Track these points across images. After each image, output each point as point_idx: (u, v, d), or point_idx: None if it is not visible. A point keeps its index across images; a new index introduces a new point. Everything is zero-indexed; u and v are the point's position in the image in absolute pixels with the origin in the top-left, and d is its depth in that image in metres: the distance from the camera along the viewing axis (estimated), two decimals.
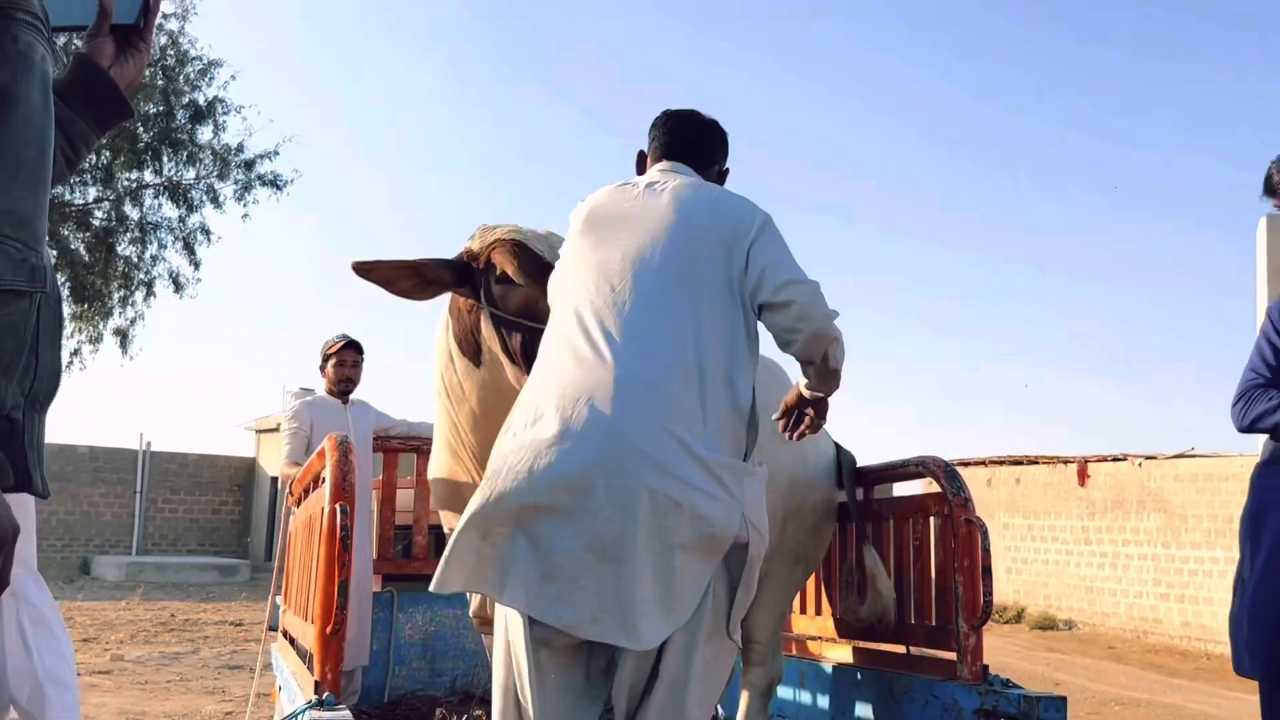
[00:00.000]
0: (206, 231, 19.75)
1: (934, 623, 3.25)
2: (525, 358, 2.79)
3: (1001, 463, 18.15)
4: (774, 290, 2.38)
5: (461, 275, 3.01)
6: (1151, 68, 32.26)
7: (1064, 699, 2.77)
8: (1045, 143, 33.53)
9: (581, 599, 2.19)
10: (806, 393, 2.59)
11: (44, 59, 1.47)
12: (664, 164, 2.70)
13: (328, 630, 2.57)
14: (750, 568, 2.38)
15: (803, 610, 3.97)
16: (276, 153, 19.76)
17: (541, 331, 2.60)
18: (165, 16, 18.07)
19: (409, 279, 2.99)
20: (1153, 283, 33.32)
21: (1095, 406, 33.12)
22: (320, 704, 2.48)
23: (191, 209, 19.51)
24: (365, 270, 2.97)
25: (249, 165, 19.56)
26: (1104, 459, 16.13)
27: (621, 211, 2.53)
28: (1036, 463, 17.41)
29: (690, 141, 2.73)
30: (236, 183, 19.50)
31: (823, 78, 38.17)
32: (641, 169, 2.81)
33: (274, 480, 24.88)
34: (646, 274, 2.41)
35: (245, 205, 19.65)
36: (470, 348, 3.01)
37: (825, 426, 3.18)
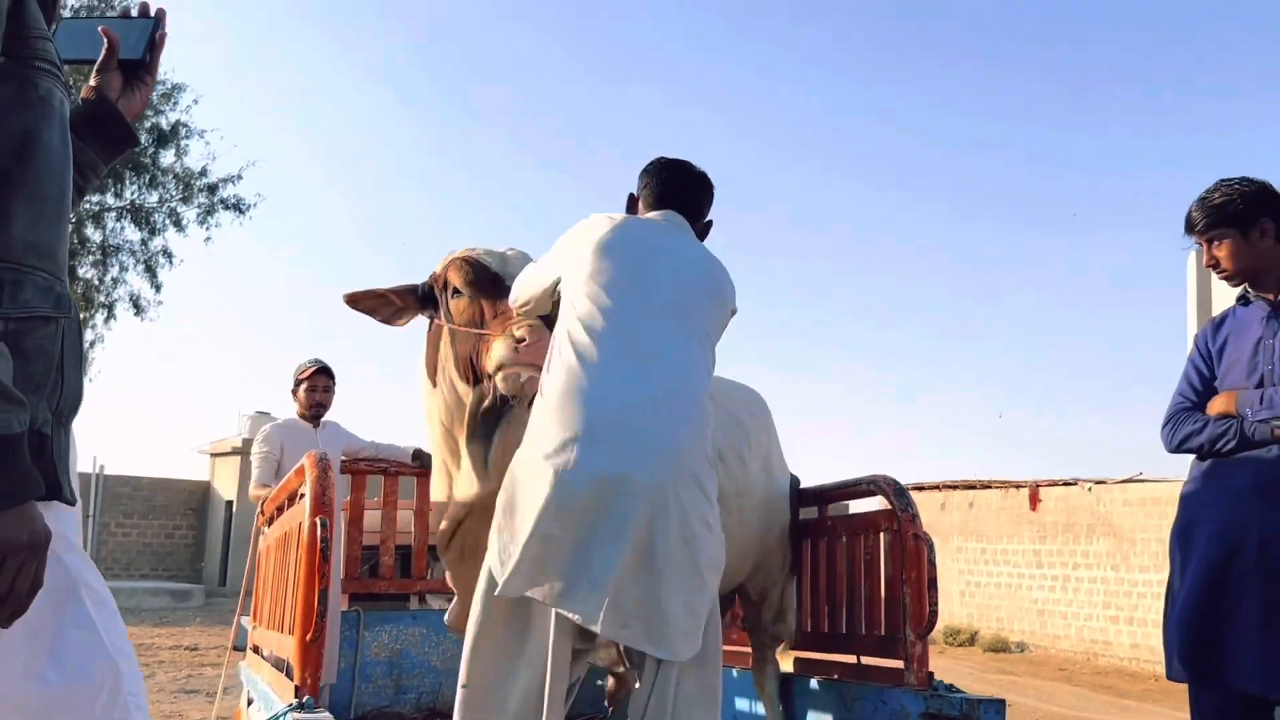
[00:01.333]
0: (168, 254, 19.77)
1: (883, 633, 3.41)
2: (467, 367, 2.96)
3: (955, 487, 18.43)
4: None
5: (426, 298, 3.22)
6: (1103, 94, 32.97)
7: (1003, 701, 2.94)
8: (999, 177, 34.12)
9: (624, 608, 2.35)
10: None
11: (62, 103, 1.60)
12: (660, 212, 2.85)
13: (308, 637, 2.69)
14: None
15: None
16: (240, 176, 19.81)
17: (483, 338, 2.84)
18: None
19: (387, 307, 3.23)
20: (1102, 310, 33.95)
21: (1046, 431, 33.63)
22: (301, 707, 2.59)
23: (154, 232, 19.51)
24: (353, 301, 3.21)
25: (212, 189, 19.60)
26: (1054, 483, 16.44)
27: (638, 246, 2.70)
28: (989, 487, 17.69)
29: (683, 191, 2.90)
30: (199, 206, 19.56)
31: (786, 129, 38.77)
32: (632, 211, 2.95)
33: (229, 504, 24.67)
34: (667, 308, 2.60)
35: (208, 229, 19.69)
36: (431, 369, 3.17)
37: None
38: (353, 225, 41.12)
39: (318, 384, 5.53)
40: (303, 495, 3.07)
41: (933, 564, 3.22)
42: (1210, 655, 2.94)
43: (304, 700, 2.61)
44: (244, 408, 26.85)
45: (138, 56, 1.94)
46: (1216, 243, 3.15)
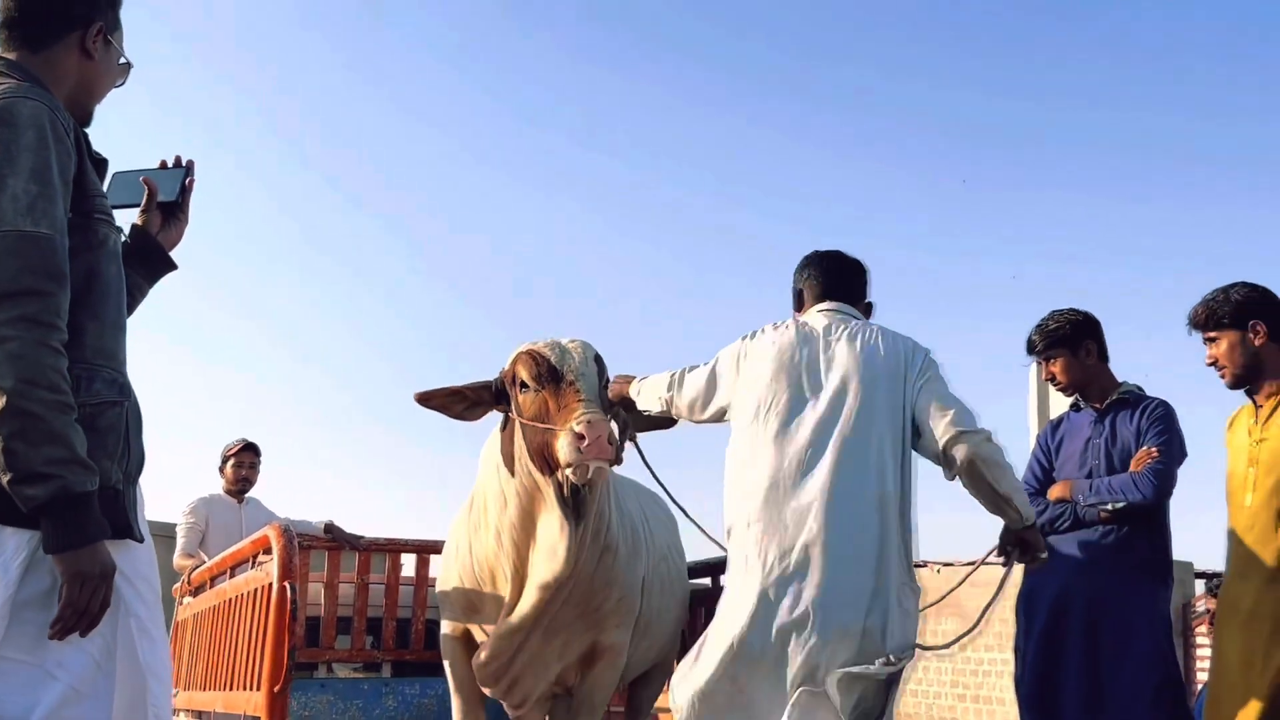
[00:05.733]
0: None
1: None
2: (540, 459, 3.16)
3: None
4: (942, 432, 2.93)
5: (499, 393, 3.41)
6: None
7: None
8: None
9: None
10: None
11: (115, 243, 2.12)
12: (826, 304, 3.17)
13: (276, 689, 2.99)
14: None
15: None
16: None
17: (550, 432, 3.07)
18: None
19: (460, 403, 3.40)
20: None
21: None
22: None
23: None
24: (424, 400, 3.36)
25: None
26: None
27: (809, 357, 3.00)
28: None
29: (844, 280, 3.24)
30: None
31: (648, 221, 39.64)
32: (799, 305, 3.28)
33: None
34: (842, 417, 2.91)
35: None
36: (508, 458, 3.34)
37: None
38: (256, 326, 40.20)
39: (244, 460, 5.78)
40: (262, 562, 3.36)
41: None
42: (1050, 701, 3.55)
43: None
44: None
45: (173, 199, 2.40)
46: (1052, 361, 3.86)
